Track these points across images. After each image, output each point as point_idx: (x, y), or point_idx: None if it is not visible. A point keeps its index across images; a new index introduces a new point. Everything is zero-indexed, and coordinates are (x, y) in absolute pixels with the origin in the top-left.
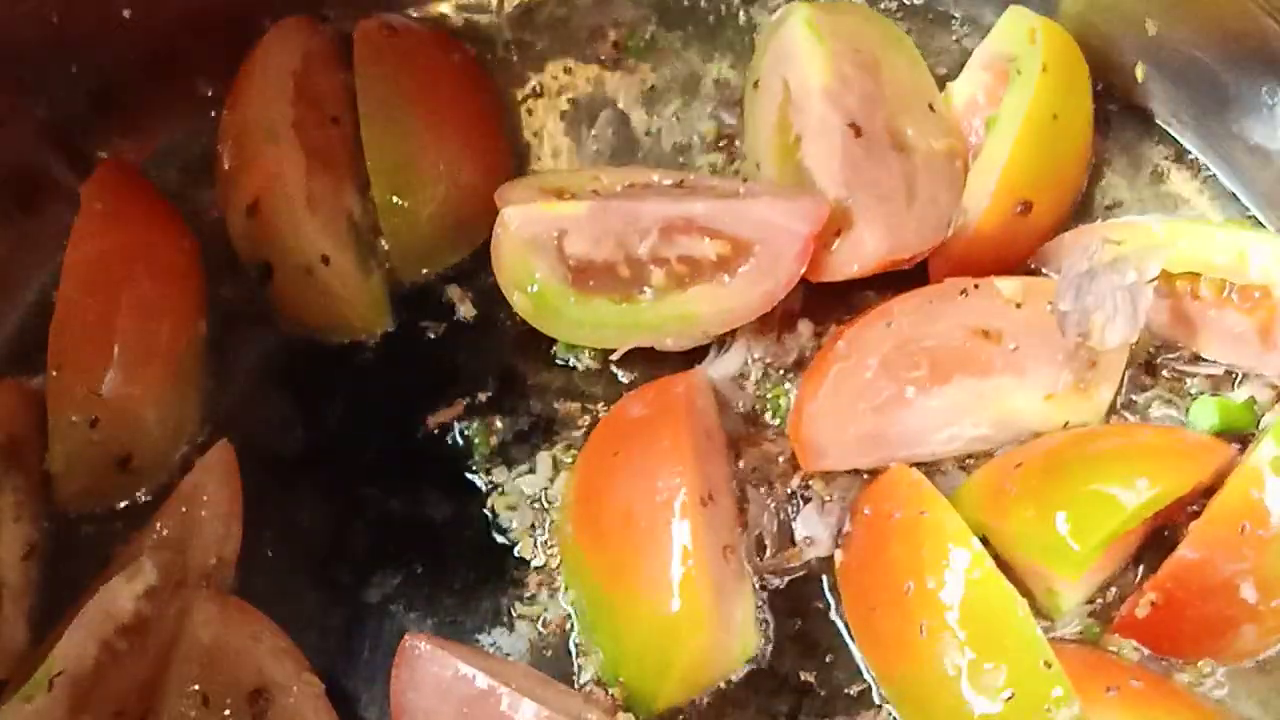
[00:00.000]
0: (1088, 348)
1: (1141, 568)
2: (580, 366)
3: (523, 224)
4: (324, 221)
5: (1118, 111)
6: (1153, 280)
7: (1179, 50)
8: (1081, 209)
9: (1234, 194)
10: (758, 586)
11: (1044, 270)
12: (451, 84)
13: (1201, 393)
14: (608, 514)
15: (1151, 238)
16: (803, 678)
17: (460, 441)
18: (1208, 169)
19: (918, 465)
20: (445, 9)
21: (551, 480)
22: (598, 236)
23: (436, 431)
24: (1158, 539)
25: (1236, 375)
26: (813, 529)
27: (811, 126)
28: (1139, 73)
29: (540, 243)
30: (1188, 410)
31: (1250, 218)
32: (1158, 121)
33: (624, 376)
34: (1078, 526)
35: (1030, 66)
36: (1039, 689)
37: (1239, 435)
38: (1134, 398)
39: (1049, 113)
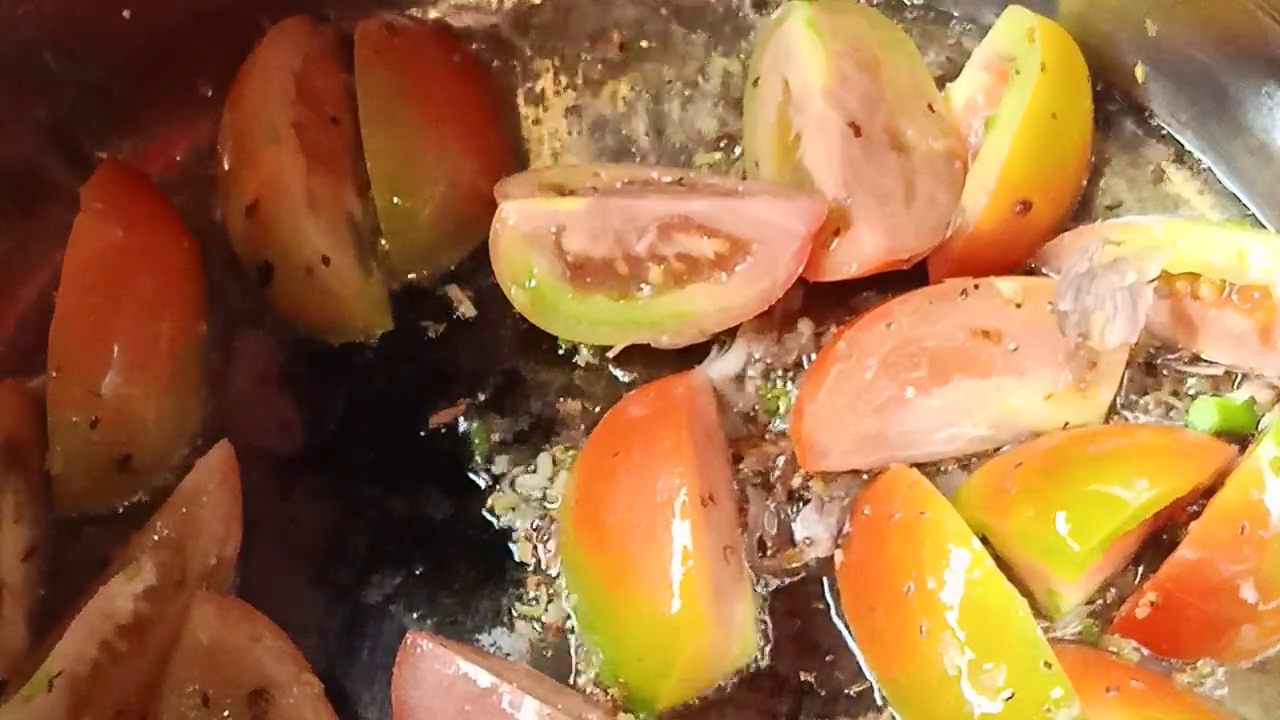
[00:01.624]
0: (1088, 348)
1: (1141, 568)
2: (580, 365)
3: (521, 219)
4: (324, 221)
5: (1118, 111)
6: (1153, 280)
7: (1179, 50)
8: (1081, 209)
9: (1234, 194)
10: (758, 587)
11: (1044, 270)
12: (451, 84)
13: (1201, 393)
14: (608, 514)
15: (1151, 238)
16: (803, 678)
17: (460, 441)
18: (1208, 169)
19: (918, 465)
20: (445, 9)
21: (551, 480)
22: (596, 233)
23: (437, 431)
24: (1157, 539)
25: (1236, 375)
26: (813, 529)
27: (811, 126)
28: (1139, 73)
29: (538, 238)
30: (1188, 410)
31: (1250, 218)
32: (1158, 121)
33: (624, 376)
34: (1078, 526)
35: (1029, 66)
36: (1039, 689)
37: (1239, 435)
38: (1134, 398)
39: (1048, 112)
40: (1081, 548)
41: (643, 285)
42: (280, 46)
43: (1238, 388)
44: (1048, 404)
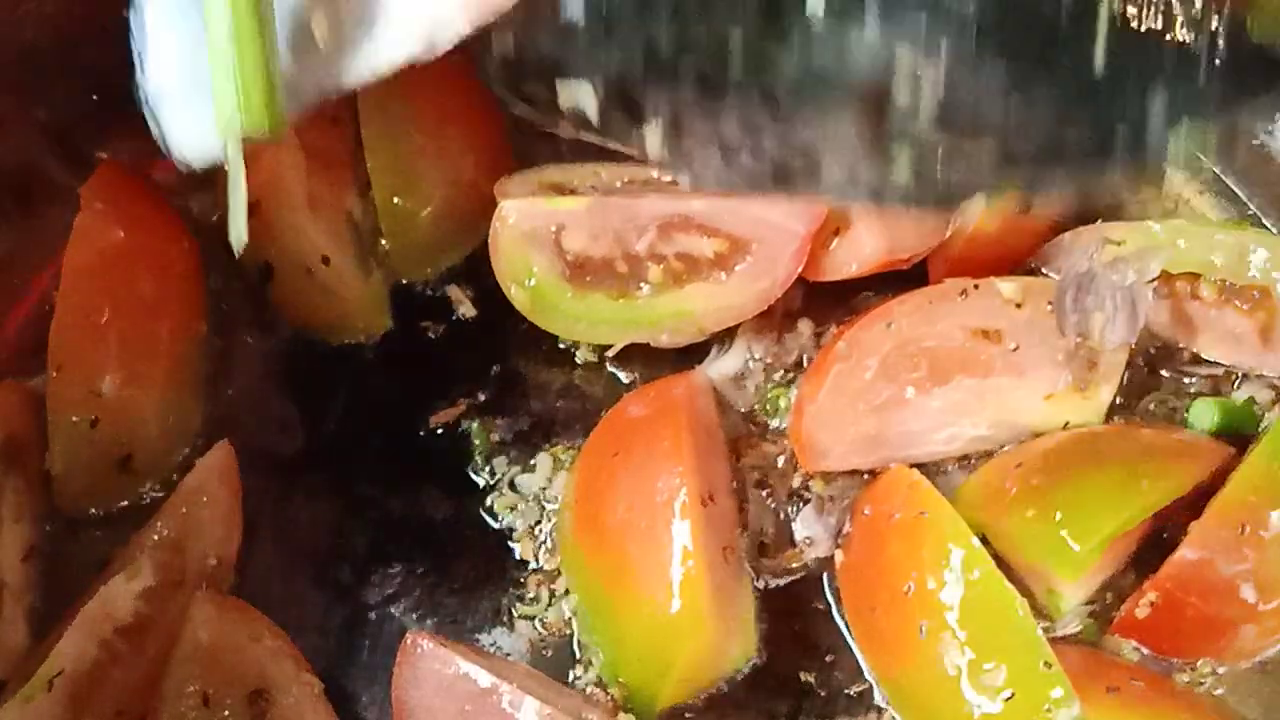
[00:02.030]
0: (1088, 348)
1: (1141, 568)
2: (580, 365)
3: (521, 218)
4: (324, 221)
5: None
6: (1153, 280)
7: None
8: (1081, 209)
9: (1234, 194)
10: (758, 586)
11: (1044, 270)
12: (452, 83)
13: (1201, 393)
14: (608, 514)
15: (1151, 238)
16: (803, 678)
17: (460, 441)
18: (1207, 169)
19: (918, 465)
20: None
21: (551, 480)
22: (596, 232)
23: (437, 431)
24: (1157, 539)
25: (1236, 375)
26: (812, 529)
27: None
28: None
29: (538, 237)
30: (1188, 410)
31: (1250, 218)
32: None
33: (624, 376)
34: (1078, 526)
35: None
36: (1039, 689)
37: (1239, 435)
38: (1134, 398)
39: None
40: (1081, 548)
41: (642, 284)
42: None
43: (1238, 388)
44: (1048, 404)
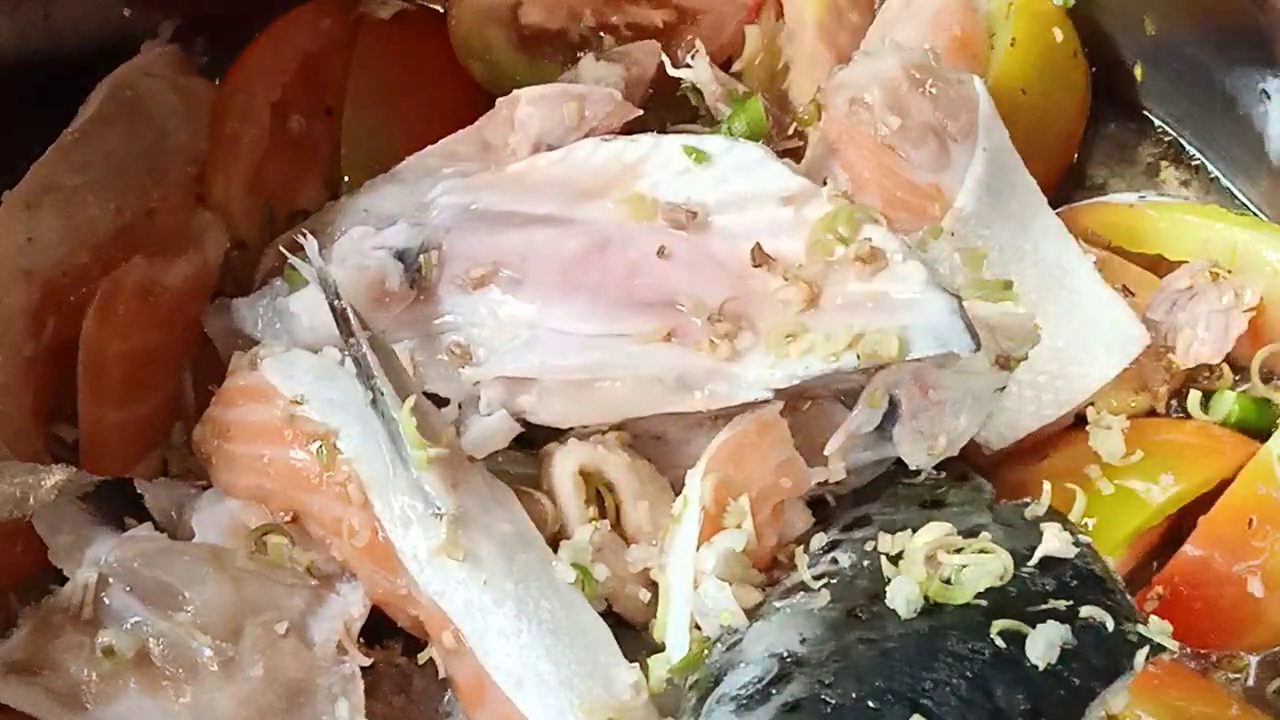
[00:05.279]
0: (1168, 359)
1: (1155, 563)
2: None
3: None
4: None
5: (1115, 110)
6: (1251, 308)
7: (1178, 50)
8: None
9: (1231, 192)
10: None
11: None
12: (447, 80)
13: (1218, 389)
14: None
15: (1258, 261)
16: None
17: None
18: (1205, 168)
19: None
20: None
21: None
22: (551, 6)
23: None
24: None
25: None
26: None
27: (801, 58)
28: (1138, 72)
29: (496, 13)
30: (1205, 405)
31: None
32: (1154, 120)
33: None
34: (1100, 523)
35: (1001, 40)
36: None
37: (1259, 431)
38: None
39: (1017, 86)
40: (1103, 545)
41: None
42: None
43: (1256, 383)
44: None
